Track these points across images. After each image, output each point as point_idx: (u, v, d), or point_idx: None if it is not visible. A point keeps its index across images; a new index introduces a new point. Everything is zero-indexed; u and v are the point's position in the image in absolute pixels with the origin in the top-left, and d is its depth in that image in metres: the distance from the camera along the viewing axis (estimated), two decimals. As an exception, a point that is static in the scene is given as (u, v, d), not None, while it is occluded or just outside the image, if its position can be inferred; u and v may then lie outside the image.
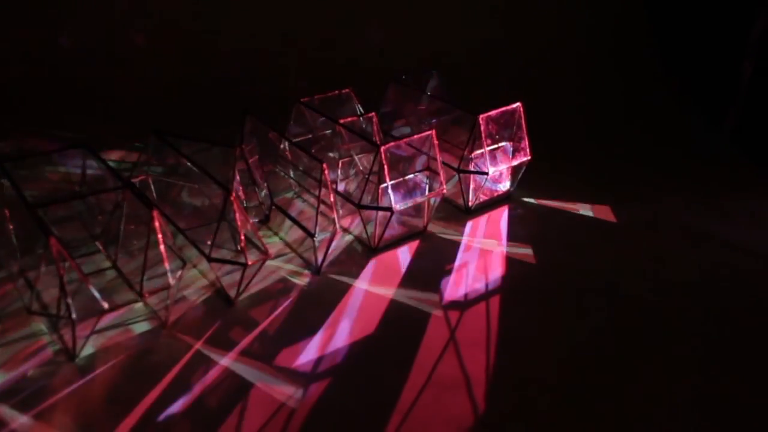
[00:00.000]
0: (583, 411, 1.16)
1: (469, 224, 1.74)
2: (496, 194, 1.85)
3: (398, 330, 1.34)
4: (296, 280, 1.47)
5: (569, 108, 2.53)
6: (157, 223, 1.15)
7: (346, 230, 1.64)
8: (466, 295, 1.46)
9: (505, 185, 1.86)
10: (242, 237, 1.27)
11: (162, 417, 1.11)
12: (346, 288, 1.45)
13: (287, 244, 1.58)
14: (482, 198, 1.82)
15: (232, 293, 1.37)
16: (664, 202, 1.91)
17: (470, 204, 1.78)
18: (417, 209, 1.70)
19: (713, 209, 1.88)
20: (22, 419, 1.08)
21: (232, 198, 1.24)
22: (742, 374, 1.26)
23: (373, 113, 1.71)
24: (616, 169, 2.11)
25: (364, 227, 1.57)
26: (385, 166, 1.48)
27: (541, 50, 2.78)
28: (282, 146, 1.62)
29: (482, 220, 1.76)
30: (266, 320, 1.34)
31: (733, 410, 1.17)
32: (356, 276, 1.50)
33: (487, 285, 1.49)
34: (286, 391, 1.17)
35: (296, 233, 1.61)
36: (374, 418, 1.12)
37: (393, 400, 1.16)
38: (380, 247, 1.60)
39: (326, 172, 1.37)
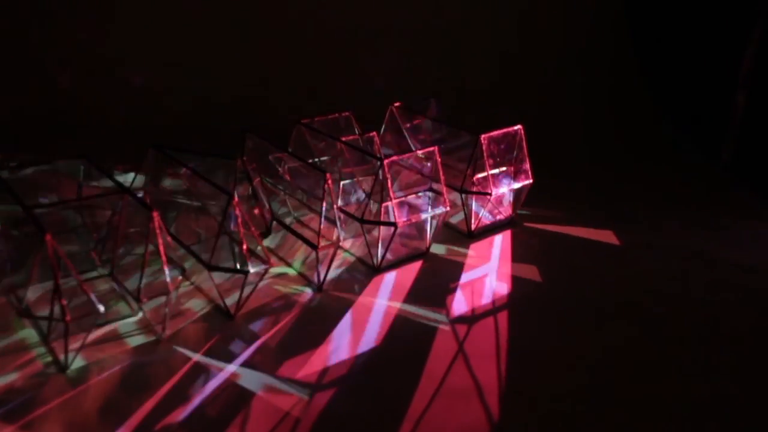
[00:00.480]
0: (596, 421, 1.10)
1: (472, 247, 1.71)
2: (498, 219, 1.83)
3: (404, 343, 1.29)
4: (297, 297, 1.42)
5: (568, 135, 2.55)
6: (157, 224, 1.12)
7: (348, 251, 1.61)
8: (473, 311, 1.41)
9: (506, 210, 1.84)
10: (244, 245, 1.23)
11: (159, 427, 1.04)
12: (349, 304, 1.41)
13: (287, 263, 1.54)
14: (484, 222, 1.80)
15: (232, 309, 1.32)
16: (665, 225, 1.90)
17: (473, 227, 1.75)
18: (419, 230, 1.67)
19: (714, 231, 1.87)
20: (7, 430, 1.02)
21: (234, 202, 1.21)
22: (748, 384, 1.22)
23: (374, 132, 1.70)
24: (617, 194, 2.11)
25: (367, 245, 1.54)
26: (389, 180, 1.46)
27: (540, 80, 2.83)
28: (282, 167, 1.60)
29: (485, 243, 1.73)
30: (267, 334, 1.29)
31: (739, 420, 1.13)
32: (359, 293, 1.45)
33: (493, 302, 1.45)
34: (291, 400, 1.11)
35: (295, 253, 1.58)
36: (384, 426, 1.06)
37: (403, 408, 1.10)
38: (383, 267, 1.56)
39: (329, 182, 1.35)
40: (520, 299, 1.46)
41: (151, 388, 1.12)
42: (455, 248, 1.69)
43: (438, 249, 1.68)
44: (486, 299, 1.46)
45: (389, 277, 1.53)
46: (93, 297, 1.07)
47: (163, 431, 1.03)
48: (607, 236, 1.80)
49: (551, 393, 1.16)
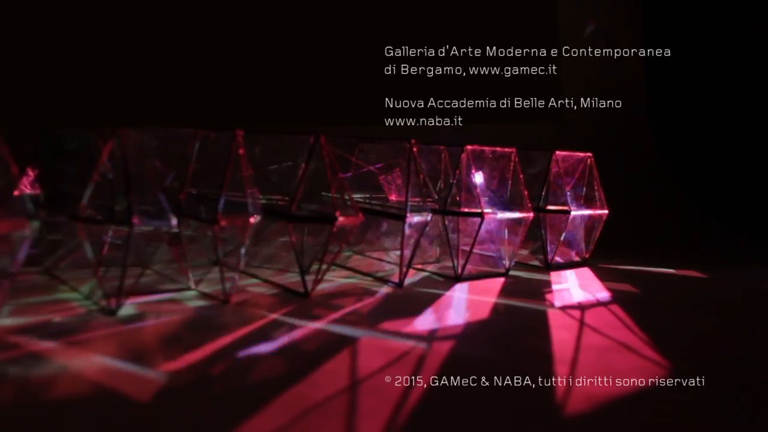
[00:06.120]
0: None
1: (553, 275, 1.53)
2: (571, 257, 1.68)
3: (517, 318, 1.09)
4: (378, 290, 1.23)
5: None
6: (240, 140, 0.97)
7: (421, 270, 1.42)
8: (579, 304, 1.22)
9: (579, 250, 1.69)
10: (333, 190, 1.07)
11: (243, 355, 0.81)
12: (435, 296, 1.21)
13: (361, 272, 1.36)
14: (558, 260, 1.64)
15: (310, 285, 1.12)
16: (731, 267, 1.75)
17: (549, 259, 1.59)
18: (495, 259, 1.51)
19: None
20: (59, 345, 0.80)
21: (322, 141, 1.07)
22: None
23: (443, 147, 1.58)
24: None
25: (449, 243, 1.37)
26: (473, 167, 1.33)
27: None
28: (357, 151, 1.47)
29: (566, 272, 1.56)
30: (352, 306, 1.08)
31: None
32: (444, 290, 1.26)
33: (597, 299, 1.26)
34: (406, 346, 0.89)
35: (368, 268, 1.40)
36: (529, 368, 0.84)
37: (547, 355, 0.88)
38: (464, 277, 1.38)
39: (415, 149, 1.22)
40: (623, 298, 1.27)
41: (222, 330, 0.91)
42: (535, 275, 1.51)
43: (516, 273, 1.50)
44: (586, 297, 1.27)
45: (473, 284, 1.34)
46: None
47: (249, 358, 0.80)
48: (690, 273, 1.64)
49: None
